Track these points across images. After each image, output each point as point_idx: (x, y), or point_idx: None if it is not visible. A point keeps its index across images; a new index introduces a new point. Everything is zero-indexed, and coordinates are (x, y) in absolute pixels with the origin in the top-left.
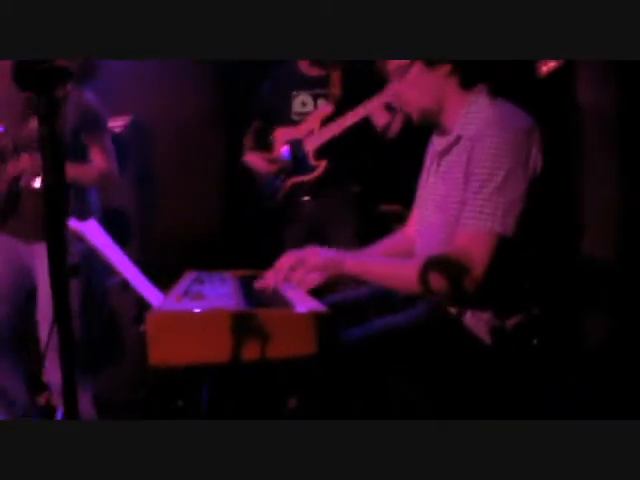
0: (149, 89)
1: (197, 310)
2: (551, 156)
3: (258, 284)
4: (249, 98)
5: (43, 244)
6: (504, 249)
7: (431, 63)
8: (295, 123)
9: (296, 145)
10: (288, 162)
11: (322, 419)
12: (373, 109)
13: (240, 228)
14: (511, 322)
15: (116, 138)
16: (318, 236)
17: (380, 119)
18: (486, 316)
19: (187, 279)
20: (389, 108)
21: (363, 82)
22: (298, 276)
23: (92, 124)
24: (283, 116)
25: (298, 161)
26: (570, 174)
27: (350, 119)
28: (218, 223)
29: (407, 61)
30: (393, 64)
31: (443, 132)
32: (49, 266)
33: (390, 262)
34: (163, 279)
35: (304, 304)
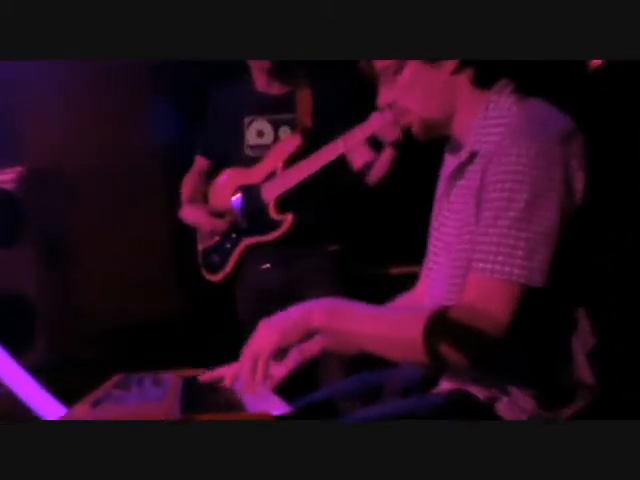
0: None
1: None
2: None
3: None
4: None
5: None
6: (532, 303)
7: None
8: (250, 161)
9: (252, 193)
10: (240, 217)
11: None
12: (354, 144)
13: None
14: (565, 413)
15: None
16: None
17: (358, 157)
18: (528, 404)
19: (107, 385)
20: (374, 143)
21: (340, 103)
22: (259, 374)
23: None
24: (233, 151)
25: (254, 215)
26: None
27: (324, 158)
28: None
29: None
30: (382, 62)
31: (455, 149)
32: None
33: (384, 311)
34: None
35: (258, 406)
